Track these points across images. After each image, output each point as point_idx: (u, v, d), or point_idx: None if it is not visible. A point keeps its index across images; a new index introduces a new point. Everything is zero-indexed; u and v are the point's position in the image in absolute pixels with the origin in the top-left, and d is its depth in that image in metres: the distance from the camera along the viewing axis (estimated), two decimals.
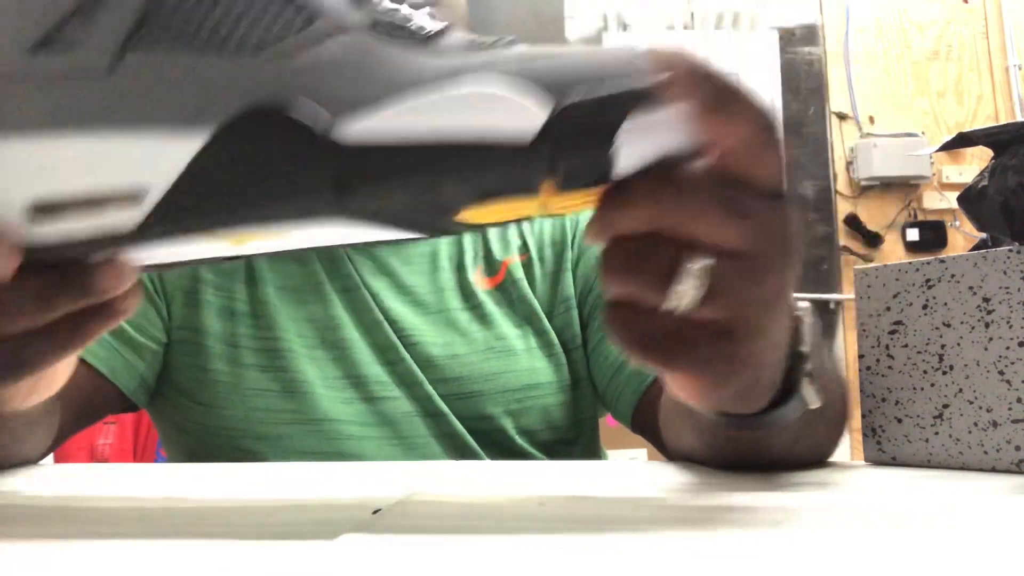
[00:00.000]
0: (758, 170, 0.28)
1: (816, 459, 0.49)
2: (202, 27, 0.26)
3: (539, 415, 0.66)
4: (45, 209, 0.26)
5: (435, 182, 0.26)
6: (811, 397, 0.37)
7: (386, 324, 0.65)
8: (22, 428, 0.48)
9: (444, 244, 0.70)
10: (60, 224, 0.26)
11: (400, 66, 0.26)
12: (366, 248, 0.68)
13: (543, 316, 0.69)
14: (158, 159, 0.26)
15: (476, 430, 0.65)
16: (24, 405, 0.35)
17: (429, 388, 0.64)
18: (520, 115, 0.26)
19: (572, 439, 0.69)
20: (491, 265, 0.70)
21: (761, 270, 0.28)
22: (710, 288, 0.27)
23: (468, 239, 0.71)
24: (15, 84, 0.26)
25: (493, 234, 0.71)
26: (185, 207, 0.26)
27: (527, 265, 0.71)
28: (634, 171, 0.27)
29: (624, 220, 0.28)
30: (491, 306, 0.68)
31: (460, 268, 0.69)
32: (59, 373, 0.35)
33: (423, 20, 0.28)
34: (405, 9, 0.29)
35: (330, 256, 0.67)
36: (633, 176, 0.27)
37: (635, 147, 0.26)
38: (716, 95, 0.26)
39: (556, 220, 0.72)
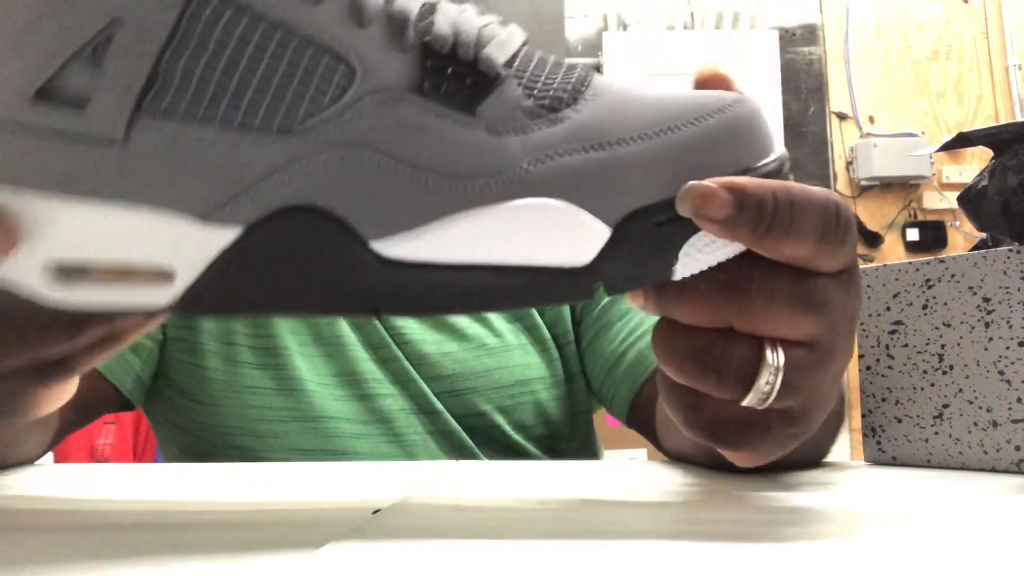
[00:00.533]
0: (828, 263, 0.26)
1: (814, 459, 0.49)
2: (220, 96, 0.22)
3: (532, 410, 0.67)
4: (67, 273, 0.24)
5: (478, 305, 0.24)
6: None
7: (377, 322, 0.66)
8: (23, 431, 0.48)
9: None
10: (83, 291, 0.24)
11: (448, 160, 0.23)
12: None
13: (535, 311, 0.69)
14: (184, 244, 0.23)
15: (471, 427, 0.65)
16: (39, 414, 0.35)
17: (423, 386, 0.65)
18: (579, 237, 0.23)
19: (567, 434, 0.69)
20: None
21: (833, 353, 0.27)
22: (790, 380, 0.26)
23: None
24: (20, 137, 0.23)
25: None
26: (216, 297, 0.24)
27: None
28: (694, 274, 0.25)
29: (688, 313, 0.26)
30: None
31: None
32: (74, 382, 0.34)
33: (476, 55, 0.24)
34: (446, 26, 0.24)
35: None
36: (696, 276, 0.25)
37: (700, 257, 0.24)
38: (763, 221, 0.24)
39: None
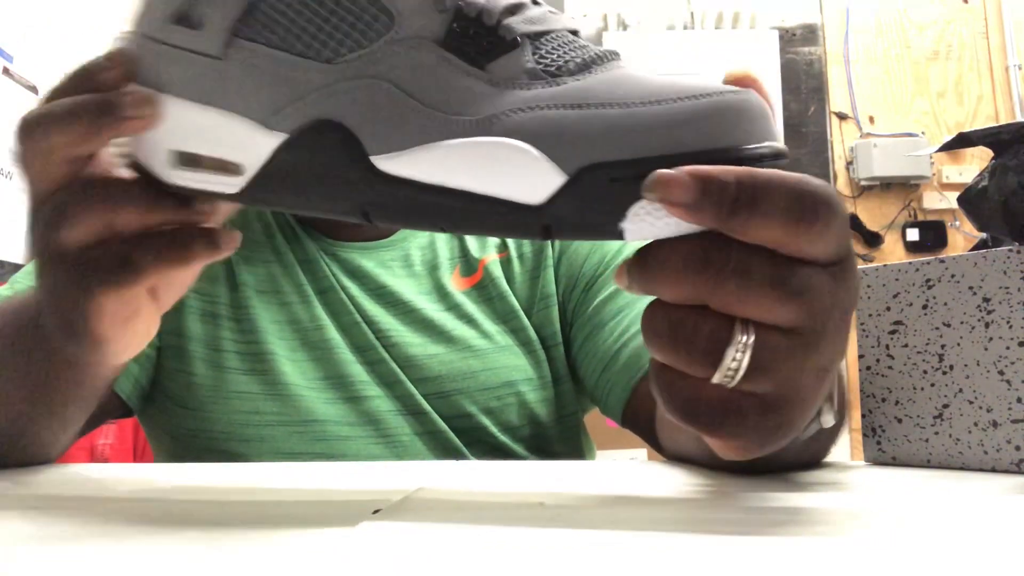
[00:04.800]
0: (808, 248, 0.26)
1: (815, 460, 0.49)
2: (290, 27, 0.28)
3: (518, 412, 0.67)
4: (184, 160, 0.31)
5: (443, 223, 0.28)
6: (827, 419, 0.35)
7: (364, 325, 0.66)
8: (74, 414, 0.50)
9: (416, 248, 0.71)
10: (190, 175, 0.31)
11: (448, 100, 0.27)
12: (333, 252, 0.69)
13: (521, 313, 0.69)
14: (252, 144, 0.29)
15: (458, 428, 0.65)
16: (121, 356, 0.37)
17: (410, 387, 0.65)
18: (535, 178, 0.26)
19: (555, 436, 0.69)
20: (469, 264, 0.71)
21: (815, 343, 0.26)
22: (761, 362, 0.26)
23: (442, 241, 0.71)
24: (160, 49, 0.31)
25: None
26: (267, 190, 0.30)
27: (506, 263, 0.71)
28: (655, 239, 0.26)
29: (665, 289, 0.26)
30: (469, 306, 0.68)
31: (434, 270, 0.70)
32: (151, 324, 0.38)
33: (498, 21, 0.28)
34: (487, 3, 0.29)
35: (307, 258, 0.68)
36: (675, 244, 0.26)
37: (653, 223, 0.25)
38: (725, 204, 0.24)
39: None
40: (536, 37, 0.29)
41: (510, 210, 0.26)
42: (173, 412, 0.65)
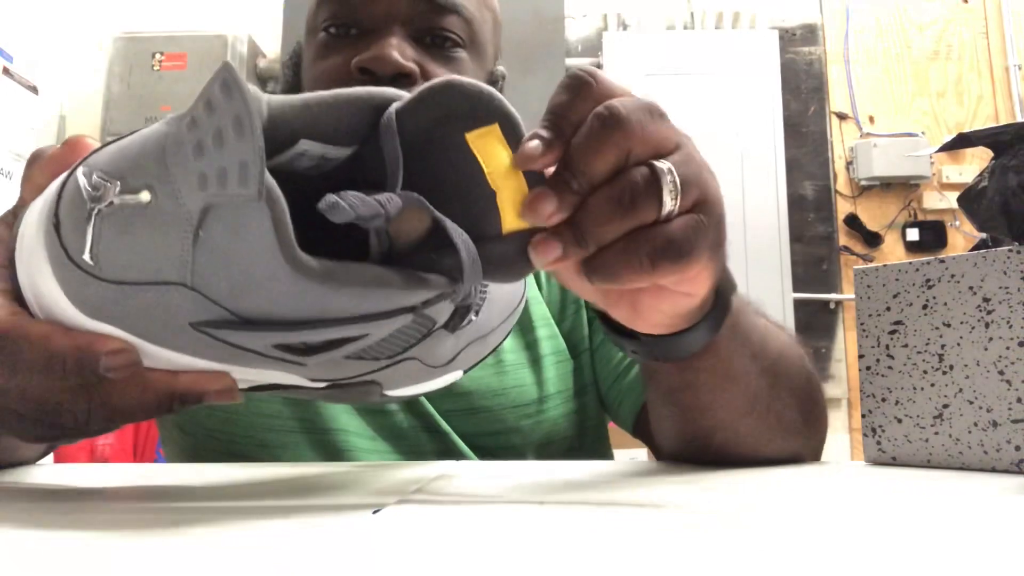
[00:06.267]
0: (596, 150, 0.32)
1: (790, 442, 0.50)
2: (379, 345, 0.34)
3: (547, 427, 0.66)
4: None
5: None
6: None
7: None
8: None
9: None
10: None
11: (439, 355, 0.39)
12: None
13: (552, 320, 0.69)
14: (285, 378, 0.35)
15: (481, 446, 0.64)
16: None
17: (428, 406, 0.64)
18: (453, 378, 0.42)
19: (577, 447, 0.69)
20: None
21: (690, 155, 0.34)
22: (682, 177, 0.33)
23: None
24: (276, 362, 0.34)
25: None
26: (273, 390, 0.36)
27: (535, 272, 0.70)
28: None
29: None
30: None
31: None
32: None
33: (470, 303, 0.38)
34: (472, 299, 0.38)
35: None
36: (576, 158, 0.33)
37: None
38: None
39: None
40: (478, 310, 0.40)
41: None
42: (191, 408, 0.64)
